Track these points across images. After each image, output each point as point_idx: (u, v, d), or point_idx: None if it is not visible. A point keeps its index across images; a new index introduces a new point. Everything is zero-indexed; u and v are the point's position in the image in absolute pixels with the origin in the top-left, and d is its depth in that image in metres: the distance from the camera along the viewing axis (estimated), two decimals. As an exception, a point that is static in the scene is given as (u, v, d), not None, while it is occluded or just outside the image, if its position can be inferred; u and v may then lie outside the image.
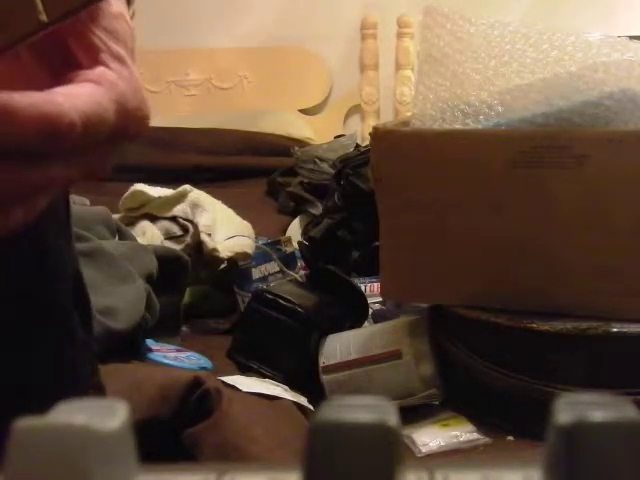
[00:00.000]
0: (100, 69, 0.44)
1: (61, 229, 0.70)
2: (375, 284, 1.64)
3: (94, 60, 0.44)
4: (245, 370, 1.38)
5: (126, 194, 1.73)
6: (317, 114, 3.32)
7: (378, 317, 1.52)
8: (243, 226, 1.79)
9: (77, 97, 0.42)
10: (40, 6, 0.41)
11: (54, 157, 0.42)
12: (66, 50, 0.45)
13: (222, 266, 1.69)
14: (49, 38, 0.44)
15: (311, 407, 1.27)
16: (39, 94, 0.40)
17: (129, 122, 0.45)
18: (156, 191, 1.73)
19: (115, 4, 0.46)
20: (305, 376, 1.35)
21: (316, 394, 1.31)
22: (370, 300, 1.55)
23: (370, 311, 1.53)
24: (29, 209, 0.43)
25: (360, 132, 3.04)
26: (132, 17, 0.51)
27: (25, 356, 0.66)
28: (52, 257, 0.68)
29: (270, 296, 1.41)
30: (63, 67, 0.45)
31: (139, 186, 1.74)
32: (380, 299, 1.58)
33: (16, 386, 0.65)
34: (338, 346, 1.35)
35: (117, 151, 0.47)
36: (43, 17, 0.41)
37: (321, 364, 1.35)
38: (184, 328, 1.61)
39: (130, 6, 0.51)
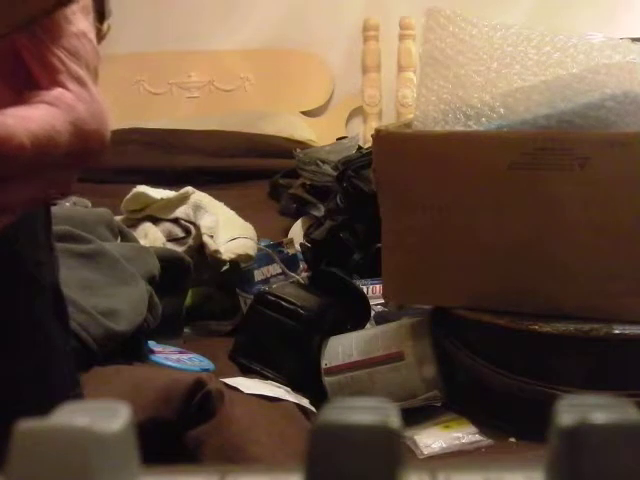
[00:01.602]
0: (58, 91, 0.44)
1: (39, 242, 0.70)
2: (377, 286, 1.64)
3: (52, 81, 0.44)
4: (247, 372, 1.38)
5: (128, 196, 1.74)
6: (319, 116, 3.32)
7: (380, 319, 1.52)
8: (245, 228, 1.79)
9: (29, 119, 0.42)
10: None
11: (5, 179, 0.42)
12: (26, 68, 0.45)
13: (224, 268, 1.69)
14: (10, 55, 0.44)
15: (313, 409, 1.27)
16: None
17: (86, 144, 0.44)
18: (158, 193, 1.73)
19: (78, 22, 0.46)
20: (307, 378, 1.35)
21: (318, 396, 1.32)
22: (372, 302, 1.55)
23: (372, 313, 1.53)
24: None
25: (362, 134, 3.04)
26: (108, 31, 0.51)
27: (4, 368, 0.66)
28: (28, 270, 0.68)
29: (272, 298, 1.41)
30: (24, 85, 0.44)
31: (141, 188, 1.74)
32: (382, 301, 1.58)
33: None
34: (340, 348, 1.35)
35: (76, 172, 0.46)
36: None
37: (323, 366, 1.35)
38: (186, 330, 1.61)
39: (105, 20, 0.51)
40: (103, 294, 1.30)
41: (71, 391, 0.73)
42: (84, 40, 0.46)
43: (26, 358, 0.68)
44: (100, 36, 0.50)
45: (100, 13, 0.50)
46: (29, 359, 0.68)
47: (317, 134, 3.07)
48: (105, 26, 0.51)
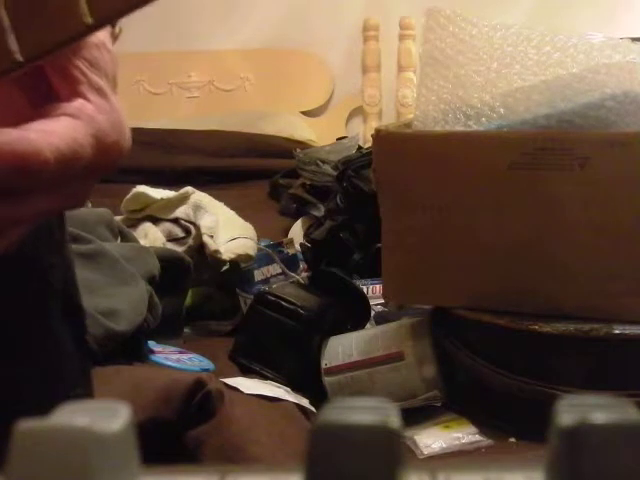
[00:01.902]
0: (79, 102, 0.44)
1: (53, 244, 0.69)
2: (377, 286, 1.64)
3: (73, 92, 0.44)
4: (247, 372, 1.38)
5: (128, 196, 1.74)
6: (319, 116, 3.32)
7: (380, 319, 1.52)
8: (245, 228, 1.79)
9: (52, 133, 0.41)
10: (85, 8, 0.40)
11: (27, 192, 0.42)
12: (47, 81, 0.45)
13: (224, 268, 1.69)
14: (32, 67, 0.43)
15: (313, 409, 1.27)
16: (13, 131, 0.40)
17: (107, 156, 0.44)
18: (158, 193, 1.73)
19: (98, 32, 0.45)
20: (307, 378, 1.35)
21: (318, 396, 1.31)
22: (372, 302, 1.55)
23: (372, 313, 1.53)
24: (5, 241, 0.43)
25: (362, 134, 3.04)
26: (119, 34, 0.51)
27: (11, 369, 0.66)
28: (41, 273, 0.68)
29: (272, 298, 1.41)
30: (44, 98, 0.44)
31: (141, 188, 1.74)
32: (382, 301, 1.58)
33: (1, 399, 0.64)
34: (340, 348, 1.35)
35: (95, 182, 0.46)
36: (88, 19, 0.40)
37: (323, 366, 1.35)
38: (186, 330, 1.61)
39: (117, 23, 0.50)
40: (103, 294, 1.30)
41: (71, 391, 0.73)
42: (104, 50, 0.46)
43: (34, 359, 0.68)
44: (113, 39, 0.50)
45: None
46: (37, 361, 0.68)
47: (317, 134, 3.07)
48: (117, 29, 0.51)
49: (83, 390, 0.75)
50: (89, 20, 0.40)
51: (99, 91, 0.45)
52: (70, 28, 0.41)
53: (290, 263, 1.80)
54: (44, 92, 0.44)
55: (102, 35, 0.46)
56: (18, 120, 0.42)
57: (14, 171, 0.40)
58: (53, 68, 0.44)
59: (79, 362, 0.75)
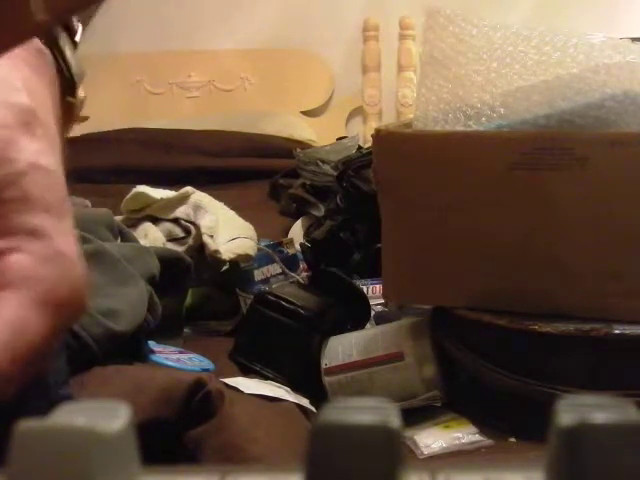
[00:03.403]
0: (11, 261, 0.36)
1: None
2: (377, 286, 1.64)
3: (2, 248, 0.37)
4: (247, 372, 1.38)
5: (128, 196, 1.73)
6: (319, 116, 3.32)
7: (380, 319, 1.52)
8: (245, 228, 1.79)
9: None
10: (37, 3, 0.34)
11: None
12: None
13: (224, 268, 1.69)
14: None
15: (313, 409, 1.27)
16: None
17: (60, 314, 0.38)
18: (158, 193, 1.73)
19: (23, 150, 0.37)
20: (307, 378, 1.35)
21: (318, 396, 1.32)
22: (372, 302, 1.55)
23: (372, 313, 1.53)
24: None
25: (362, 134, 3.04)
26: (84, 100, 0.44)
27: None
28: None
29: (272, 298, 1.41)
30: None
31: (141, 188, 1.74)
32: (382, 301, 1.58)
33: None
34: (340, 348, 1.35)
35: (52, 345, 0.39)
36: (42, 16, 0.35)
37: (323, 366, 1.35)
38: (186, 330, 1.61)
39: (77, 88, 0.43)
40: (103, 294, 1.30)
41: (57, 389, 0.73)
42: (36, 174, 0.37)
43: None
44: (75, 113, 0.42)
45: (69, 80, 0.42)
46: None
47: (317, 134, 3.07)
48: (79, 96, 0.43)
49: (69, 389, 0.75)
50: (41, 17, 0.35)
51: (35, 233, 0.37)
52: (20, 27, 0.35)
53: (290, 263, 1.80)
54: None
55: (31, 150, 0.38)
56: None
57: None
58: None
59: (65, 360, 0.74)
